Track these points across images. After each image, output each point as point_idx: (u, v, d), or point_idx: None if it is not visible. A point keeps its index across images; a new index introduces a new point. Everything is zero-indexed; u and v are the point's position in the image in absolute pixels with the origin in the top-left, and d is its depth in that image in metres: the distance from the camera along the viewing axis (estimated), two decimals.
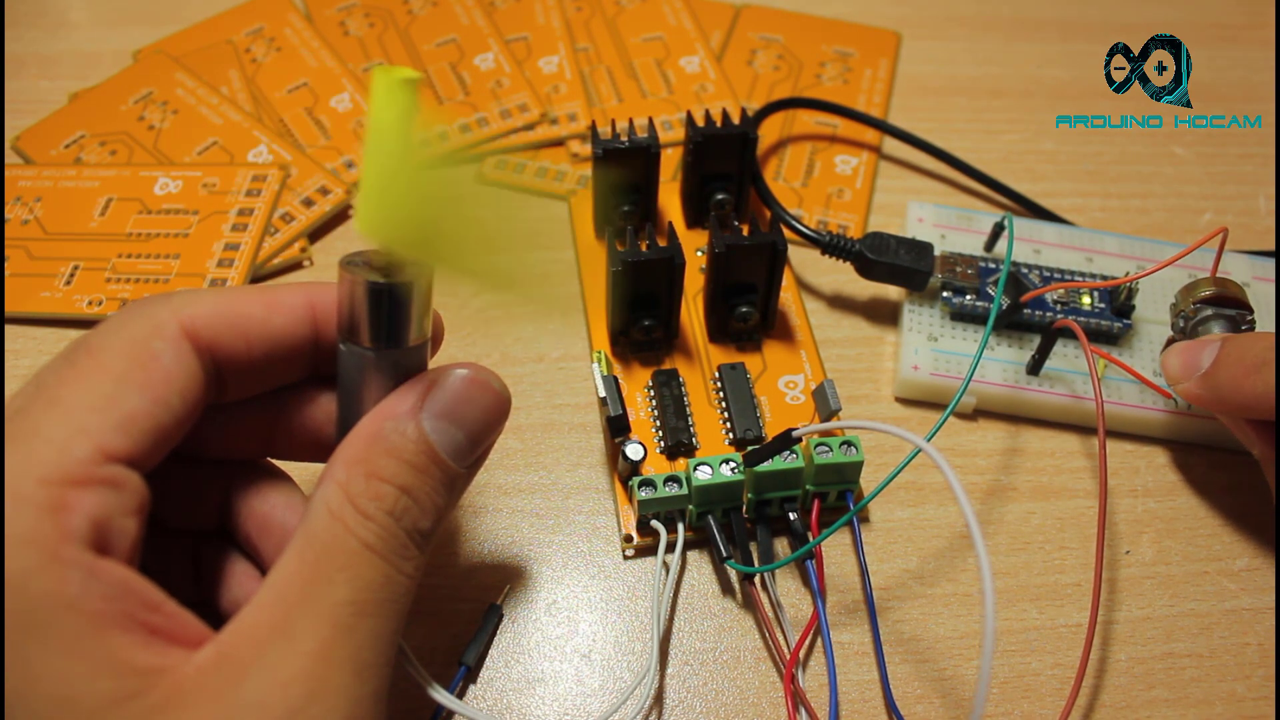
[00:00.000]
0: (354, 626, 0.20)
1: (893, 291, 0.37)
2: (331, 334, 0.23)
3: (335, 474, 0.21)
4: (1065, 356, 0.34)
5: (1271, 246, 0.39)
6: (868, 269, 0.35)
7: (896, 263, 0.34)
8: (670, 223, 0.33)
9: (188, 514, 0.24)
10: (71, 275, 0.36)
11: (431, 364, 0.23)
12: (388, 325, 0.21)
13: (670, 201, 0.38)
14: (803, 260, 0.38)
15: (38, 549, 0.18)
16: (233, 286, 0.35)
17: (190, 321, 0.21)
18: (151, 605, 0.19)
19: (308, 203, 0.38)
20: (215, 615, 0.24)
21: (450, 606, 0.29)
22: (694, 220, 0.37)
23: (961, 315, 0.35)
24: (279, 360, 0.23)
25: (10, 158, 0.40)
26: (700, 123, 0.36)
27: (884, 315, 0.37)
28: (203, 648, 0.19)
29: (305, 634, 0.19)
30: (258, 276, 0.36)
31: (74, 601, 0.18)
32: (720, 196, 0.36)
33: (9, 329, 0.35)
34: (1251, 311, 0.31)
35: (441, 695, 0.24)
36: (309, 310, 0.23)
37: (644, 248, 0.31)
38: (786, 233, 0.34)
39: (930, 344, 0.34)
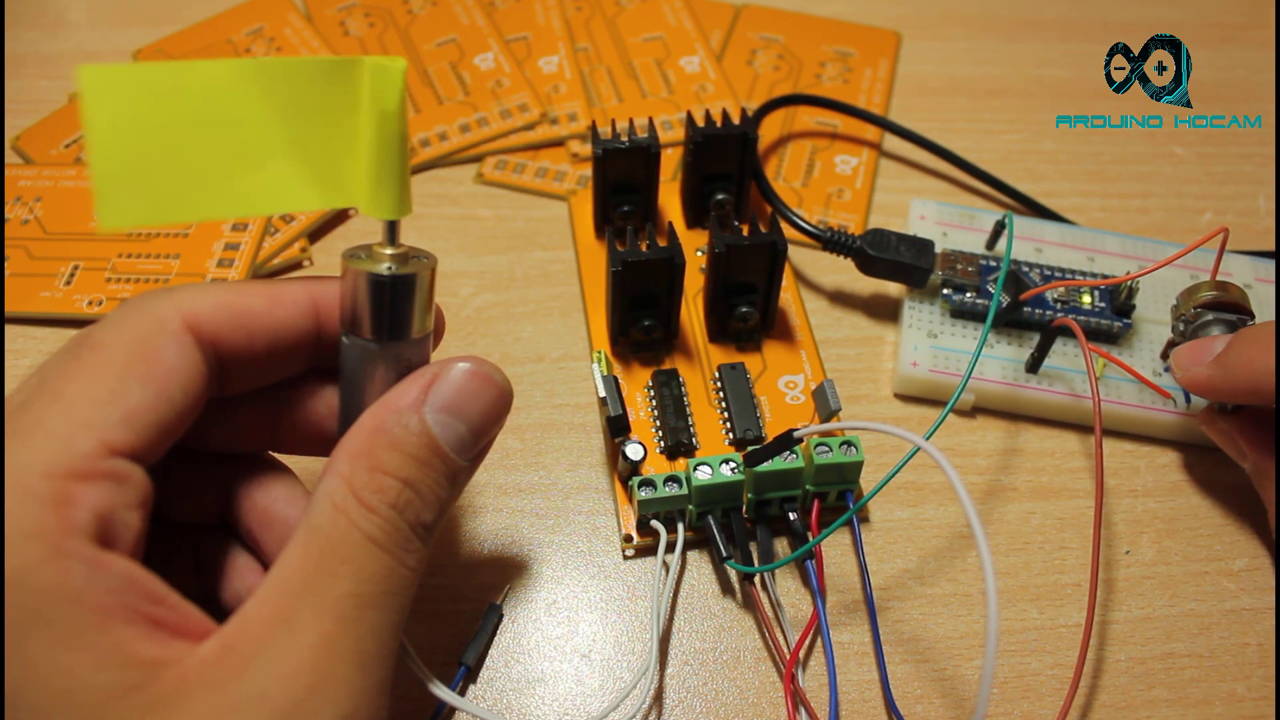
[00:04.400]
0: (357, 619, 0.20)
1: (893, 290, 0.37)
2: (333, 327, 0.23)
3: (338, 467, 0.21)
4: (1065, 355, 0.34)
5: (1271, 246, 0.39)
6: (869, 265, 0.35)
7: (897, 259, 0.34)
8: (670, 223, 0.33)
9: (189, 507, 0.24)
10: (72, 275, 0.36)
11: (432, 359, 0.23)
12: (390, 317, 0.22)
13: (670, 201, 0.38)
14: (803, 259, 0.38)
15: (42, 542, 0.18)
16: (235, 281, 0.35)
17: (193, 315, 0.21)
18: (155, 598, 0.19)
19: None
20: (216, 608, 0.24)
21: (450, 606, 0.29)
22: (694, 220, 0.37)
23: (962, 312, 0.35)
24: (281, 354, 0.23)
25: (10, 157, 0.40)
26: (700, 123, 0.36)
27: (884, 314, 0.37)
28: (206, 640, 0.19)
29: (308, 626, 0.19)
30: (257, 276, 0.36)
31: (78, 594, 0.18)
32: (720, 196, 0.36)
33: (9, 329, 0.35)
34: (1252, 316, 0.31)
35: (443, 692, 0.24)
36: (311, 304, 0.23)
37: (644, 248, 0.31)
38: (788, 230, 0.34)
39: (930, 341, 0.34)
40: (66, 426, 0.19)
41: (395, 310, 0.21)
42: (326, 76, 0.20)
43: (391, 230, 0.21)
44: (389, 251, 0.21)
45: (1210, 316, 0.31)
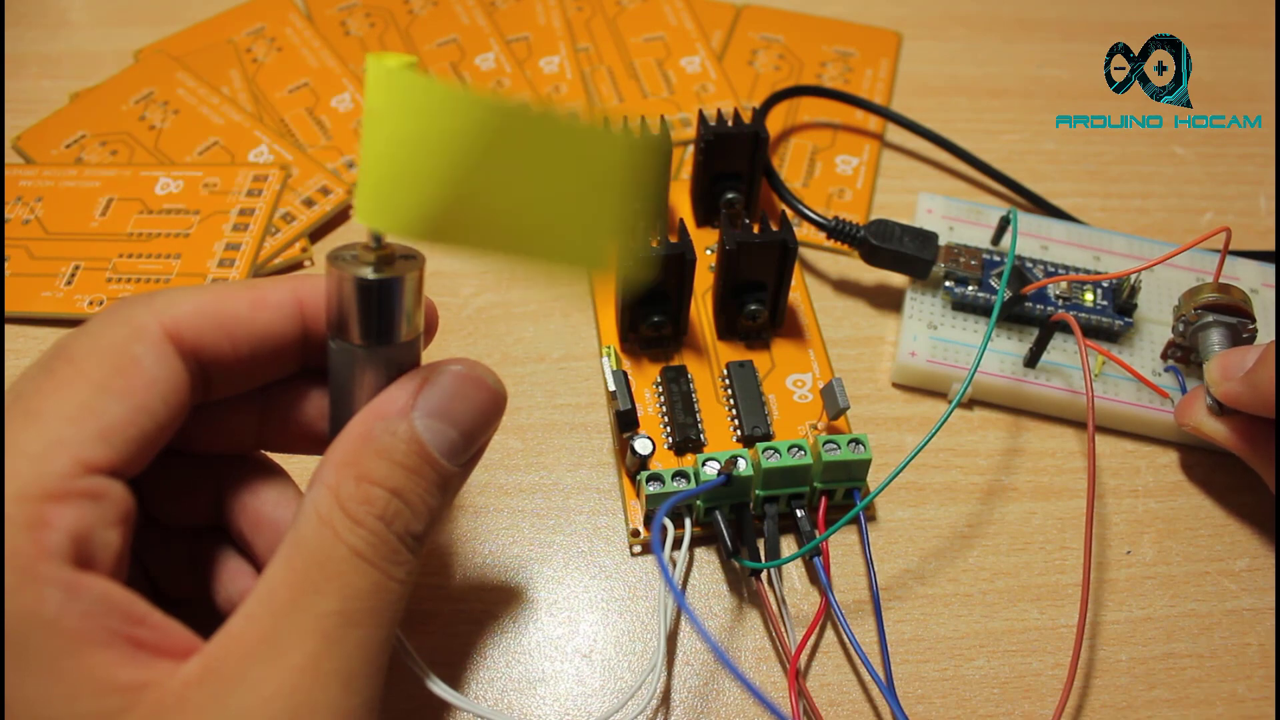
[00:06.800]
0: (342, 637, 0.19)
1: (896, 291, 0.37)
2: (320, 329, 0.22)
3: (325, 477, 0.20)
4: (1065, 351, 0.34)
5: (1272, 247, 0.39)
6: (872, 255, 0.35)
7: (900, 250, 0.34)
8: (681, 219, 0.33)
9: (181, 509, 0.24)
10: (72, 275, 0.36)
11: (427, 359, 0.23)
12: (377, 321, 0.21)
13: (680, 200, 0.38)
14: (809, 258, 0.38)
15: (14, 568, 0.17)
16: (217, 283, 0.34)
17: (173, 323, 0.21)
18: (135, 618, 0.19)
19: (309, 203, 0.38)
20: (213, 611, 0.24)
21: (450, 607, 0.29)
22: (704, 219, 0.37)
23: (962, 305, 0.35)
24: (266, 358, 0.22)
25: (11, 157, 0.40)
26: (711, 121, 0.36)
27: (886, 315, 0.37)
28: (189, 660, 0.19)
29: (292, 647, 0.19)
30: (258, 276, 0.36)
31: (52, 620, 0.18)
32: (730, 195, 0.36)
33: (9, 329, 0.35)
34: (1253, 320, 0.31)
35: (442, 690, 0.24)
36: (296, 306, 0.22)
37: (655, 244, 0.31)
38: (792, 218, 0.34)
39: (929, 331, 0.34)
40: (40, 446, 0.18)
41: (382, 314, 0.21)
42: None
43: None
44: (374, 253, 0.21)
45: (1210, 318, 0.31)
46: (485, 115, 0.18)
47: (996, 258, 0.35)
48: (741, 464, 0.28)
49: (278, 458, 0.25)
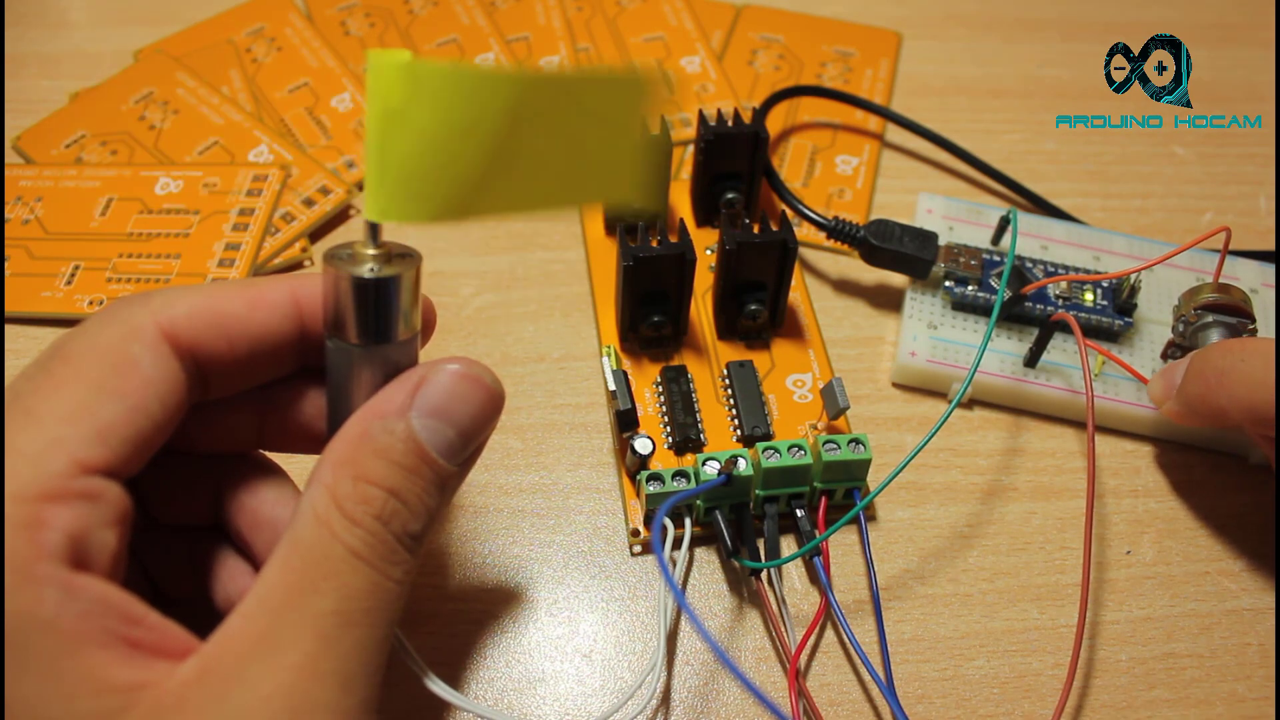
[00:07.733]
0: (339, 637, 0.19)
1: (896, 292, 0.37)
2: (318, 328, 0.22)
3: (322, 476, 0.20)
4: (1065, 351, 0.34)
5: (1272, 247, 0.39)
6: (871, 255, 0.35)
7: (900, 250, 0.34)
8: (681, 219, 0.33)
9: (180, 509, 0.24)
10: (72, 275, 0.36)
11: (425, 358, 0.23)
12: (374, 320, 0.21)
13: (680, 200, 0.38)
14: (809, 259, 0.38)
15: (12, 568, 0.17)
16: (213, 283, 0.34)
17: (169, 323, 0.21)
18: (132, 619, 0.19)
19: (309, 202, 0.38)
20: (211, 611, 0.24)
21: (450, 607, 0.29)
22: (703, 219, 0.37)
23: (962, 305, 0.35)
24: (264, 358, 0.22)
25: (11, 157, 0.40)
26: (712, 121, 0.36)
27: (886, 315, 0.37)
28: (187, 660, 0.19)
29: (289, 647, 0.19)
30: (258, 276, 0.36)
31: (50, 621, 0.18)
32: (730, 195, 0.36)
33: (9, 329, 0.35)
34: (1253, 320, 0.31)
35: (440, 688, 0.24)
36: (293, 305, 0.22)
37: (655, 244, 0.31)
38: (792, 218, 0.34)
39: (930, 331, 0.34)
40: (37, 446, 0.18)
41: (379, 313, 0.21)
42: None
43: (374, 229, 0.21)
44: (371, 251, 0.21)
45: (1210, 318, 0.31)
46: (506, 89, 0.19)
47: (996, 258, 0.35)
48: (741, 464, 0.28)
49: (277, 457, 0.25)
